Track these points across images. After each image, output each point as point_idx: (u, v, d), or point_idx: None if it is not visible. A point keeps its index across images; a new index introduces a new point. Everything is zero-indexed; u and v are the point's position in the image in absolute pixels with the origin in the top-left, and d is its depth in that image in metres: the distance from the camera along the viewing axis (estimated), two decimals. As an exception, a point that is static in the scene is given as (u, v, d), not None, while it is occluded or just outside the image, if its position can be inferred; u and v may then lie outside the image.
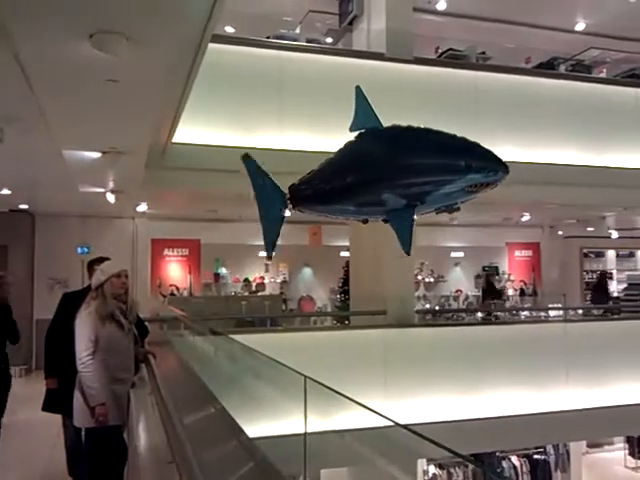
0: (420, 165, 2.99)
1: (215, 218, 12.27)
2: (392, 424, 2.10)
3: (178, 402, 3.31)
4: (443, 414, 6.90)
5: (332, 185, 3.12)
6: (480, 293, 13.78)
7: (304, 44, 7.37)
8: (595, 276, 15.75)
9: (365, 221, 3.31)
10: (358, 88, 3.12)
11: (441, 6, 9.51)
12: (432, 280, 14.69)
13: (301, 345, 6.74)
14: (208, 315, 8.59)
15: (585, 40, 10.61)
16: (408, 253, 3.02)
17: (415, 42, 7.64)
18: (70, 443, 5.24)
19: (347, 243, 9.09)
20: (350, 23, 8.33)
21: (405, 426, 2.02)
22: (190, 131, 6.35)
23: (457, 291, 14.88)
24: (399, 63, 7.28)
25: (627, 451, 12.44)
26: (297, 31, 7.95)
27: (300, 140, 6.84)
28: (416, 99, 7.34)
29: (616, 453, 12.82)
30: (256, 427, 4.22)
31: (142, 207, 10.71)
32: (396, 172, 2.96)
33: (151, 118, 4.68)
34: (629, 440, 12.22)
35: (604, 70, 10.24)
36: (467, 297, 14.83)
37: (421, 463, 9.07)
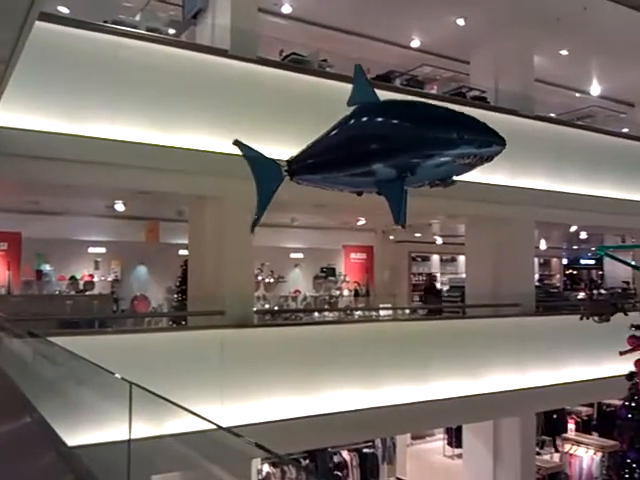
0: (409, 136, 2.98)
1: (38, 210, 11.33)
2: (227, 427, 2.04)
3: (-13, 412, 2.98)
4: (280, 413, 6.96)
5: (324, 157, 3.21)
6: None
7: (144, 32, 7.04)
8: (422, 279, 16.97)
9: (360, 193, 3.32)
10: (358, 66, 3.23)
11: (286, 9, 9.61)
12: (272, 280, 14.81)
13: (133, 348, 6.43)
14: (27, 315, 7.91)
15: (419, 57, 11.32)
16: (402, 225, 3.04)
17: (260, 42, 7.65)
18: None
19: (186, 241, 8.85)
20: (194, 17, 8.14)
21: (228, 429, 1.97)
22: (11, 114, 5.79)
23: (296, 291, 15.15)
24: (243, 62, 7.24)
25: (446, 441, 13.46)
26: (137, 18, 7.58)
27: (134, 132, 6.53)
28: (259, 99, 7.35)
29: (436, 443, 13.83)
30: (79, 436, 3.93)
31: (-47, 196, 9.60)
32: (384, 143, 3.00)
33: (-36, 96, 4.19)
34: (448, 431, 13.23)
35: (435, 87, 10.98)
36: (305, 297, 15.15)
37: (255, 462, 9.09)
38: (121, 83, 6.59)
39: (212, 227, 7.62)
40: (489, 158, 3.00)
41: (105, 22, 6.88)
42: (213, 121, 7.00)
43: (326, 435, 7.55)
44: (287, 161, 3.25)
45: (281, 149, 7.13)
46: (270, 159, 3.27)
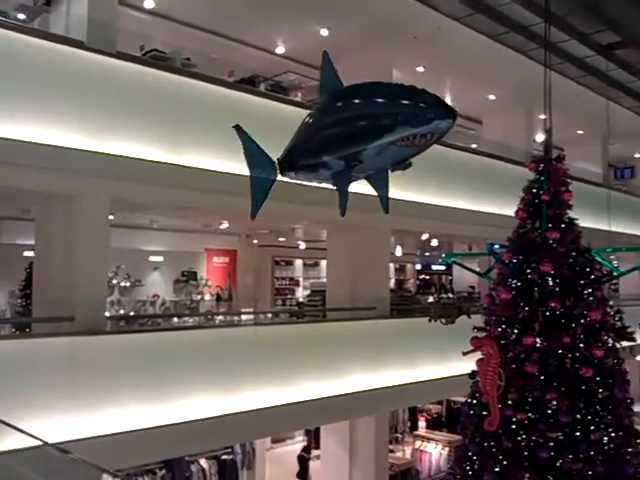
0: (343, 126, 2.94)
1: None
2: (53, 443, 1.89)
3: None
4: (136, 423, 6.67)
5: (294, 152, 3.23)
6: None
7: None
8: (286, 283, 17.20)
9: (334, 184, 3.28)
10: (325, 53, 3.23)
11: (149, 4, 9.28)
12: (128, 284, 14.23)
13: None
14: None
15: (284, 63, 11.41)
16: (342, 214, 3.04)
17: (119, 36, 7.32)
18: None
19: (32, 242, 8.24)
20: (47, 3, 7.66)
21: (53, 445, 1.84)
22: None
23: (154, 296, 14.65)
24: (100, 55, 6.89)
25: (305, 443, 13.64)
26: (-20, -1, 6.99)
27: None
28: (116, 95, 7.03)
29: (296, 446, 13.98)
30: None
31: None
32: (325, 135, 3.01)
33: None
34: (307, 433, 13.42)
35: (299, 94, 11.13)
36: (164, 302, 14.70)
37: (107, 477, 8.65)
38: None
39: (62, 227, 7.17)
40: (434, 134, 2.78)
41: (-59, -1, 6.26)
42: (65, 115, 6.58)
43: (184, 444, 7.36)
44: (277, 159, 3.27)
45: (138, 147, 6.93)
46: (266, 155, 3.26)
